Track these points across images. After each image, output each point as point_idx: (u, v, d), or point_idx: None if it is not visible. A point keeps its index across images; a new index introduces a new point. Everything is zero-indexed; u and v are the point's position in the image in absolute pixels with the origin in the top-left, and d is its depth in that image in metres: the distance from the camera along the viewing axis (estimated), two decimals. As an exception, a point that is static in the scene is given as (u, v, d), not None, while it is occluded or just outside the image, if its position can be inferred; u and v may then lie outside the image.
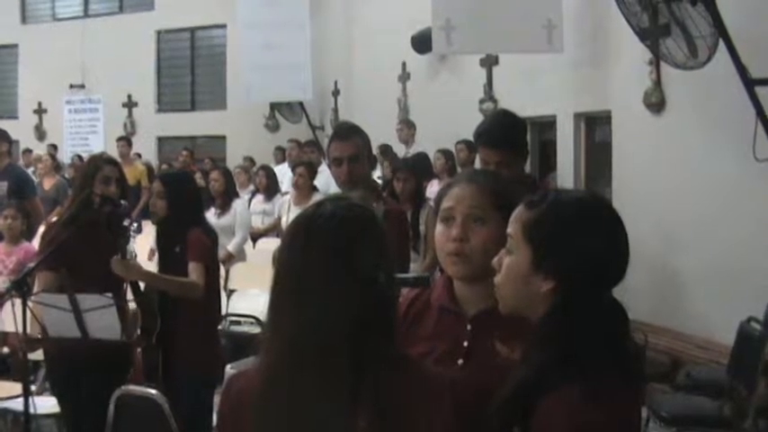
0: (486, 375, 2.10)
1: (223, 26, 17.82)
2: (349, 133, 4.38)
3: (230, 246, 8.39)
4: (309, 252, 1.88)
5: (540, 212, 1.94)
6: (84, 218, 4.56)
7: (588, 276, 1.89)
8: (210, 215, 7.77)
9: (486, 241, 2.25)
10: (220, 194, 8.62)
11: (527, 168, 6.03)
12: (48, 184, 11.48)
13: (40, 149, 15.88)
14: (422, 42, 10.95)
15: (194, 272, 4.59)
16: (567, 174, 8.97)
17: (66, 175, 14.17)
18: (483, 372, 2.16)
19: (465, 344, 2.28)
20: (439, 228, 2.35)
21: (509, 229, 2.00)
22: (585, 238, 1.90)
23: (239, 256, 8.67)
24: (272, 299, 1.93)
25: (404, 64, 13.04)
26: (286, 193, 10.16)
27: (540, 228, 1.93)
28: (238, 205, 8.78)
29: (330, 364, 1.83)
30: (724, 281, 6.57)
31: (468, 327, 2.29)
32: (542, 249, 1.91)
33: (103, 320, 4.22)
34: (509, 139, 4.25)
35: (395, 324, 1.96)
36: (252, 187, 11.31)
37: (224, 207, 8.58)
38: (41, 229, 7.85)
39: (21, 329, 4.09)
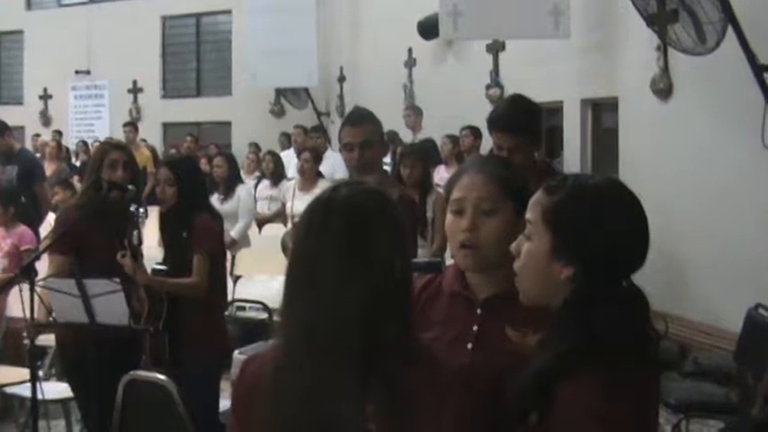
0: (496, 360, 2.11)
1: (228, 12, 17.80)
2: (361, 119, 4.36)
3: (233, 231, 8.37)
4: (325, 236, 1.87)
5: (561, 198, 1.92)
6: (93, 203, 4.56)
7: (609, 262, 1.87)
8: (214, 201, 7.75)
9: (497, 231, 2.25)
10: (224, 180, 8.61)
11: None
12: (50, 169, 11.49)
13: (45, 135, 15.92)
14: (428, 28, 10.93)
15: (197, 267, 4.59)
16: (573, 160, 8.96)
17: (74, 161, 14.20)
18: (492, 356, 2.16)
19: (475, 328, 2.28)
20: (449, 218, 2.34)
21: (528, 215, 1.98)
22: (606, 223, 1.88)
23: (243, 241, 8.66)
24: (287, 283, 1.92)
25: (410, 50, 13.01)
26: (292, 179, 10.15)
27: (561, 213, 1.90)
28: (242, 191, 8.75)
29: (342, 350, 1.82)
30: (731, 267, 6.56)
31: (479, 311, 2.29)
32: (563, 235, 1.89)
33: (111, 306, 4.21)
34: (525, 124, 4.23)
35: (411, 311, 1.95)
36: (258, 173, 11.32)
37: (227, 193, 8.55)
38: (50, 214, 7.92)
39: (28, 314, 4.09)
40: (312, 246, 1.89)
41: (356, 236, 1.86)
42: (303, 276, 1.89)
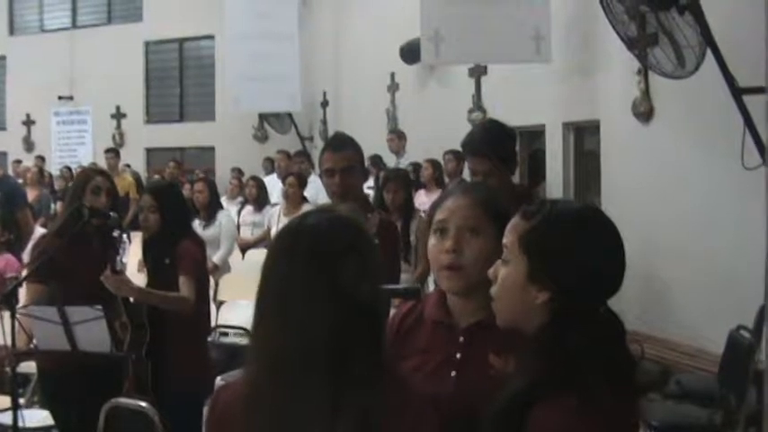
0: (479, 387, 2.10)
1: (211, 37, 17.83)
2: (342, 145, 4.37)
3: (215, 257, 8.35)
4: (292, 264, 1.88)
5: (537, 223, 1.94)
6: (74, 230, 4.54)
7: (584, 288, 1.88)
8: (195, 227, 7.72)
9: (480, 253, 2.25)
10: (205, 206, 8.58)
11: (516, 178, 6.04)
12: (31, 195, 11.45)
13: (28, 161, 15.87)
14: (410, 53, 10.97)
15: (184, 286, 4.57)
16: (555, 183, 8.99)
17: (56, 187, 14.15)
18: (476, 384, 2.16)
19: (458, 356, 2.28)
20: (432, 240, 2.34)
21: (505, 240, 1.99)
22: (582, 249, 1.89)
23: (224, 267, 8.64)
24: (256, 310, 1.93)
25: (392, 74, 13.06)
26: (276, 204, 10.15)
27: (537, 238, 1.92)
28: (223, 217, 8.73)
29: (310, 377, 1.83)
30: (713, 289, 6.58)
31: (461, 339, 2.29)
32: (538, 260, 1.91)
33: (93, 333, 4.20)
34: (497, 148, 4.27)
35: (381, 338, 1.95)
36: (241, 198, 11.30)
37: (209, 218, 8.53)
38: (31, 240, 7.87)
39: (9, 342, 4.07)
40: (279, 273, 1.90)
41: (321, 263, 1.86)
42: (271, 303, 1.90)
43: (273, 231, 8.74)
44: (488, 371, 2.16)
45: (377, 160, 11.32)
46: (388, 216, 5.09)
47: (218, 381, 4.70)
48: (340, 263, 1.87)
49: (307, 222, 1.94)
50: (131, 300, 4.66)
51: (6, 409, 4.80)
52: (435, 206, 2.41)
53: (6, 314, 4.09)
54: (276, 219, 9.04)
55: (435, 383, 2.20)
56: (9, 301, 4.07)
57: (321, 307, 1.84)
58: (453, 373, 2.26)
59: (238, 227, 9.91)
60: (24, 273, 5.34)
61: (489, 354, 2.19)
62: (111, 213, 4.61)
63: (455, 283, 2.29)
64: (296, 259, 1.88)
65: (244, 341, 6.93)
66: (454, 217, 2.31)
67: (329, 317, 1.83)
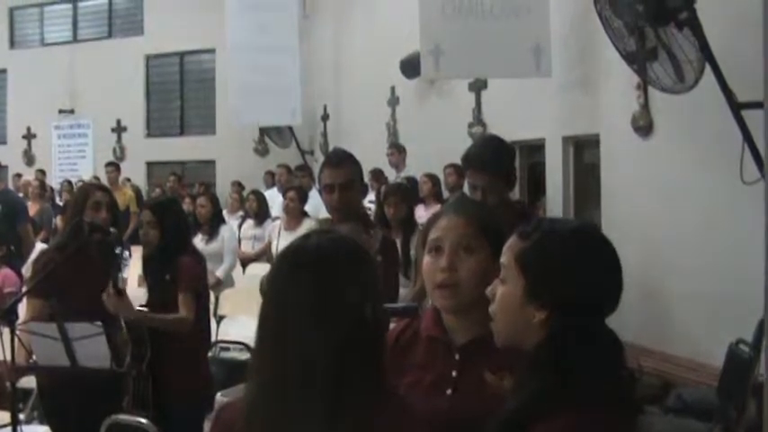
0: (475, 405, 2.11)
1: (212, 51, 17.85)
2: (341, 160, 4.39)
3: (219, 272, 8.35)
4: (294, 286, 1.89)
5: (534, 242, 1.95)
6: (74, 245, 4.54)
7: (581, 306, 1.89)
8: (197, 241, 7.72)
9: (475, 271, 2.26)
10: (207, 220, 8.58)
11: (515, 192, 6.04)
12: (33, 209, 11.46)
13: (28, 174, 15.88)
14: (410, 67, 10.98)
15: (183, 304, 4.58)
16: (555, 197, 8.99)
17: (59, 201, 14.16)
18: (472, 401, 2.17)
19: (453, 373, 2.28)
20: (427, 258, 2.36)
21: (502, 259, 2.00)
22: (579, 268, 1.90)
23: (227, 281, 8.64)
24: (258, 330, 1.94)
25: (393, 88, 13.08)
26: (276, 218, 10.15)
27: (534, 258, 1.93)
28: (225, 231, 8.74)
29: (310, 396, 1.83)
30: (712, 303, 6.58)
31: (457, 356, 2.30)
32: (535, 279, 1.92)
33: (93, 349, 4.20)
34: (497, 162, 4.29)
35: (382, 356, 1.96)
36: (241, 212, 11.31)
37: (211, 233, 8.53)
38: (33, 255, 7.89)
39: (9, 358, 4.07)
40: (282, 293, 1.92)
41: (324, 285, 1.88)
42: (273, 322, 1.92)
43: (274, 245, 8.74)
44: (485, 389, 2.17)
45: (378, 174, 11.32)
46: (388, 233, 5.10)
47: (219, 397, 4.70)
48: (341, 284, 1.88)
49: (309, 243, 1.95)
50: (130, 319, 4.67)
51: (6, 425, 4.79)
52: (429, 225, 2.42)
53: (6, 330, 4.10)
54: (277, 233, 9.04)
55: (431, 400, 2.21)
56: (9, 317, 4.08)
57: (323, 326, 1.85)
58: (449, 391, 2.27)
59: (239, 241, 9.92)
60: (24, 288, 5.34)
61: (484, 371, 2.20)
62: (112, 229, 4.61)
63: (449, 301, 2.30)
64: (298, 280, 1.89)
65: (244, 356, 6.94)
66: (448, 235, 2.32)
67: (331, 336, 1.84)
